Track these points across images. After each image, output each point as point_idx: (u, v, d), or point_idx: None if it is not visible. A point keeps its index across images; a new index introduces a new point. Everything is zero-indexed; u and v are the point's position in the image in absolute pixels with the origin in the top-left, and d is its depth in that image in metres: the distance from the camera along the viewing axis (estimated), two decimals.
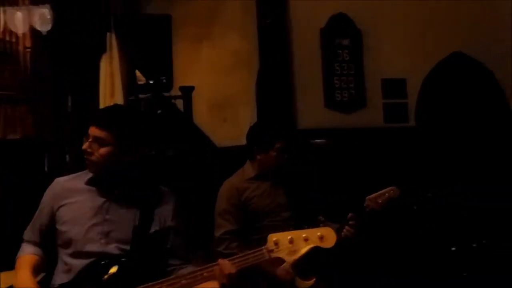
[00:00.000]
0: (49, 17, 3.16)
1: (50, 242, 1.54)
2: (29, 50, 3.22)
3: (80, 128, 1.57)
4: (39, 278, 1.53)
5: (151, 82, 3.40)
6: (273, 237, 1.40)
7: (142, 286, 1.39)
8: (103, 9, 3.47)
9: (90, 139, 1.48)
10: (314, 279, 1.94)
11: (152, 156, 2.99)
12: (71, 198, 1.52)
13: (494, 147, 3.08)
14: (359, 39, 3.34)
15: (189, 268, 1.48)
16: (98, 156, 1.47)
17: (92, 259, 1.43)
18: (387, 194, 2.15)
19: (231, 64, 3.60)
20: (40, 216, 1.58)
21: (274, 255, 1.39)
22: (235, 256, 1.43)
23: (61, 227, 1.51)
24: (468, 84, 3.35)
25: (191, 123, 3.44)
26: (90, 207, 1.50)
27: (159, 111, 3.35)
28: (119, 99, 3.34)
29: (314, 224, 2.02)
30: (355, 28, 3.34)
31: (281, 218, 2.19)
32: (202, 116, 3.54)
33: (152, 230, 1.50)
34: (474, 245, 2.50)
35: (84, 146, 1.48)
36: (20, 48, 3.20)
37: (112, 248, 1.45)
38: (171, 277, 1.44)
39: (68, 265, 1.47)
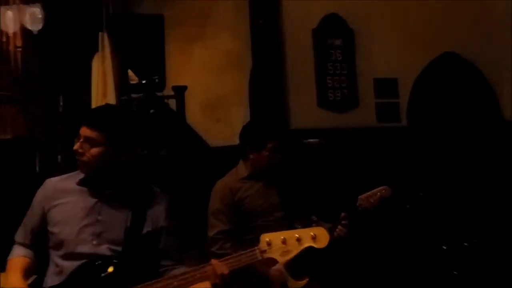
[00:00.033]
0: (40, 16, 3.14)
1: (42, 243, 1.52)
2: (20, 49, 3.19)
3: (72, 128, 1.56)
4: (30, 280, 1.52)
5: (143, 81, 3.38)
6: (265, 237, 1.40)
7: None
8: (95, 8, 3.45)
9: (81, 139, 1.47)
10: (307, 279, 1.95)
11: (145, 156, 2.98)
12: (63, 199, 1.51)
13: (484, 147, 3.11)
14: (351, 39, 3.35)
15: (182, 269, 1.47)
16: (90, 157, 1.46)
17: (83, 261, 1.43)
18: (379, 193, 2.16)
19: (223, 64, 3.59)
20: (31, 218, 1.56)
21: (266, 255, 1.39)
22: (227, 257, 1.43)
23: (52, 229, 1.49)
24: (459, 84, 3.37)
25: (184, 123, 3.43)
26: (81, 208, 1.49)
27: (151, 111, 3.34)
28: (111, 99, 3.32)
29: (307, 224, 2.02)
30: (347, 28, 3.35)
31: (274, 218, 2.20)
32: (195, 116, 3.53)
33: (144, 230, 1.49)
34: (465, 244, 2.52)
35: (75, 147, 1.47)
36: (11, 47, 3.18)
37: (104, 249, 1.44)
38: (164, 278, 1.44)
39: (60, 266, 1.46)
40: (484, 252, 2.51)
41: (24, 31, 3.16)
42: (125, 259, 1.44)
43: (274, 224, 2.09)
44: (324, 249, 1.44)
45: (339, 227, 2.10)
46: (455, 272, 2.45)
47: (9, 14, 3.11)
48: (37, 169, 3.15)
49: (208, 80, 3.64)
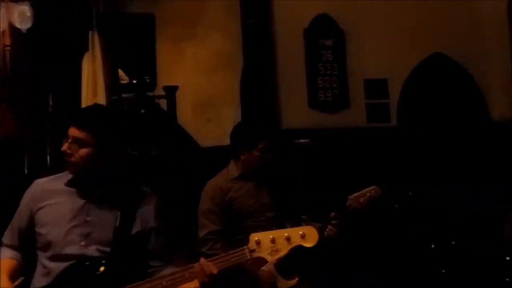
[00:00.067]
0: (29, 14, 3.11)
1: (30, 245, 1.51)
2: (8, 48, 3.16)
3: (61, 128, 1.55)
4: (17, 282, 1.51)
5: (134, 81, 3.37)
6: (254, 236, 1.41)
7: None
8: (85, 7, 3.42)
9: (69, 140, 1.46)
10: (297, 279, 1.96)
11: (135, 156, 2.97)
12: (51, 200, 1.50)
13: (472, 148, 3.14)
14: (342, 39, 3.36)
15: (171, 269, 1.47)
16: (78, 157, 1.45)
17: (71, 262, 1.42)
18: (368, 193, 2.18)
19: (215, 64, 3.59)
20: (19, 219, 1.55)
21: (255, 254, 1.39)
22: (216, 256, 1.43)
23: (40, 230, 1.48)
24: (448, 85, 3.41)
25: (175, 123, 3.42)
26: (70, 208, 1.48)
27: (142, 111, 3.32)
28: (101, 99, 3.30)
29: (296, 223, 2.03)
30: (338, 29, 3.37)
31: (265, 218, 2.20)
32: (186, 116, 3.52)
33: (134, 231, 1.49)
34: (453, 242, 2.55)
35: (64, 147, 1.46)
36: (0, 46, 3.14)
37: (92, 251, 1.44)
38: (152, 278, 1.43)
39: (47, 268, 1.45)
40: (470, 251, 2.54)
41: (13, 29, 3.12)
42: (114, 260, 1.43)
43: (265, 224, 2.09)
44: (314, 248, 1.45)
45: (329, 226, 2.11)
46: (443, 271, 2.47)
47: None
48: (26, 169, 3.12)
49: (199, 80, 3.63)
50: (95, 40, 3.35)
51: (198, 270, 1.38)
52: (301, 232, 1.42)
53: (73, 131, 1.46)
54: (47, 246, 1.46)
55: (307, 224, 1.51)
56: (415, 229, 2.70)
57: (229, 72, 3.49)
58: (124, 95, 3.39)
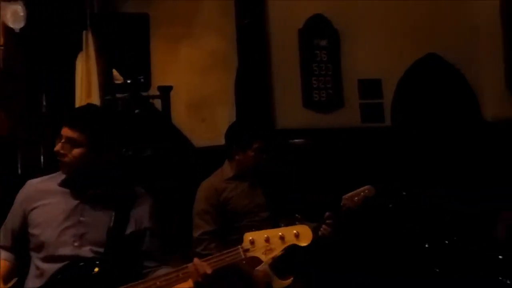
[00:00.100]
0: (22, 14, 3.09)
1: (23, 246, 1.50)
2: (1, 47, 3.14)
3: (55, 128, 1.54)
4: (11, 283, 1.50)
5: (128, 81, 3.35)
6: (249, 236, 1.41)
7: None
8: (79, 6, 3.40)
9: (62, 140, 1.45)
10: (292, 279, 1.96)
11: (130, 156, 2.96)
12: (44, 200, 1.50)
13: (465, 148, 3.16)
14: (336, 40, 3.37)
15: (165, 270, 1.47)
16: (71, 157, 1.45)
17: (64, 263, 1.41)
18: (362, 193, 2.19)
19: (209, 64, 3.58)
20: (12, 220, 1.54)
21: (250, 254, 1.39)
22: (210, 256, 1.43)
23: (33, 230, 1.48)
24: (441, 85, 3.43)
25: (169, 123, 3.42)
26: (63, 209, 1.47)
27: (136, 111, 3.31)
28: (95, 99, 3.28)
29: (291, 223, 2.03)
30: (332, 29, 3.37)
31: (260, 218, 2.21)
32: (180, 116, 3.51)
33: (128, 231, 1.48)
34: (446, 242, 2.57)
35: (56, 147, 1.46)
36: None
37: (86, 251, 1.43)
38: (147, 279, 1.43)
39: (40, 269, 1.44)
40: (463, 251, 2.55)
41: (6, 29, 3.10)
42: (108, 261, 1.42)
43: (259, 224, 2.10)
44: (308, 247, 1.45)
45: (324, 226, 2.12)
46: (436, 270, 2.49)
47: None
48: (19, 170, 3.10)
49: (193, 80, 3.62)
50: (89, 40, 3.33)
51: (192, 270, 1.38)
52: (295, 231, 1.43)
53: (66, 131, 1.45)
54: (40, 247, 1.46)
55: (301, 224, 1.51)
56: (409, 229, 2.72)
57: (224, 72, 3.49)
58: (118, 95, 3.37)
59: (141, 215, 1.52)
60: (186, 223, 2.29)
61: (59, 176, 1.52)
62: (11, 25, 3.08)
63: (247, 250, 1.40)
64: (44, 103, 3.27)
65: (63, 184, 1.50)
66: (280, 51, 3.27)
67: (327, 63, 3.34)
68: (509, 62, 3.42)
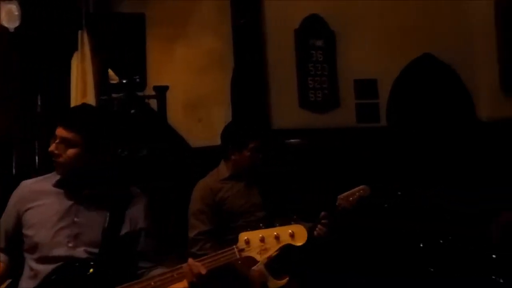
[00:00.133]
0: (17, 13, 3.08)
1: (17, 247, 1.49)
2: None
3: (50, 128, 1.53)
4: (4, 285, 1.49)
5: (124, 81, 3.35)
6: (244, 236, 1.41)
7: None
8: (74, 6, 3.39)
9: (57, 140, 1.45)
10: (287, 279, 1.96)
11: (125, 156, 2.95)
12: (38, 201, 1.49)
13: (460, 148, 3.18)
14: (332, 40, 3.37)
15: (160, 270, 1.47)
16: (66, 158, 1.44)
17: (58, 264, 1.40)
18: (357, 193, 2.19)
19: (205, 64, 3.58)
20: (6, 220, 1.53)
21: (245, 254, 1.39)
22: (205, 256, 1.43)
23: (27, 231, 1.47)
24: (436, 85, 3.44)
25: (165, 123, 3.41)
26: (57, 210, 1.46)
27: (132, 111, 3.31)
28: (91, 99, 3.28)
29: (286, 223, 2.04)
30: (328, 30, 3.37)
31: (256, 218, 2.20)
32: (176, 116, 3.51)
33: (123, 232, 1.48)
34: (441, 241, 2.58)
35: (51, 148, 1.45)
36: None
37: (80, 252, 1.42)
38: (142, 279, 1.43)
39: (34, 270, 1.43)
40: (460, 250, 2.56)
41: (0, 28, 3.09)
42: (102, 261, 1.42)
43: (255, 224, 2.09)
44: (304, 247, 1.45)
45: (319, 226, 2.12)
46: (431, 269, 2.49)
47: None
48: (14, 170, 3.08)
49: (189, 80, 3.63)
50: (84, 40, 3.32)
51: (187, 270, 1.38)
52: (290, 231, 1.43)
53: (60, 132, 1.44)
54: (34, 248, 1.45)
55: (296, 223, 1.51)
56: (404, 229, 2.72)
57: (220, 72, 3.49)
58: (114, 95, 3.37)
59: (136, 215, 1.52)
60: (182, 223, 2.29)
61: (54, 177, 1.51)
62: (5, 24, 3.07)
63: (242, 250, 1.40)
64: (39, 103, 3.26)
65: (57, 184, 1.49)
66: (276, 51, 3.27)
67: (323, 63, 3.34)
68: (504, 62, 3.44)
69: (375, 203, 2.48)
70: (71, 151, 1.44)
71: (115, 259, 1.44)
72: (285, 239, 1.42)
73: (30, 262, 1.45)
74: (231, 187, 2.25)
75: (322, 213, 2.14)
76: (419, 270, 2.55)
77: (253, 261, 1.45)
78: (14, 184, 1.59)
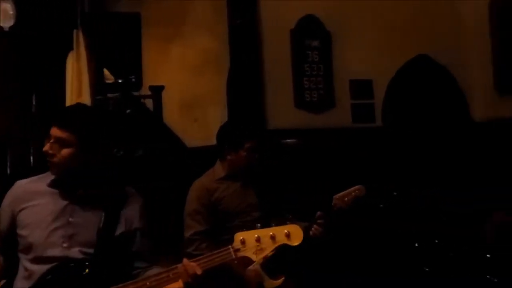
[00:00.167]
0: (11, 12, 3.07)
1: (11, 247, 1.49)
2: None
3: (45, 128, 1.52)
4: None
5: (119, 81, 3.35)
6: (239, 236, 1.41)
7: None
8: (69, 5, 3.38)
9: (51, 140, 1.44)
10: (283, 278, 1.96)
11: (121, 156, 2.94)
12: (33, 201, 1.48)
13: (454, 148, 3.20)
14: (328, 40, 3.38)
15: (155, 270, 1.46)
16: (60, 158, 1.43)
17: (53, 264, 1.40)
18: (353, 193, 2.20)
19: (201, 64, 3.58)
20: (0, 221, 1.52)
21: (240, 254, 1.39)
22: (200, 257, 1.42)
23: (21, 232, 1.46)
24: (431, 86, 3.46)
25: (161, 123, 3.41)
26: (52, 210, 1.46)
27: (128, 111, 3.30)
28: (86, 98, 3.26)
29: (282, 223, 2.04)
30: (324, 30, 3.39)
31: (252, 218, 2.20)
32: (172, 116, 3.51)
33: (118, 232, 1.47)
34: (436, 241, 2.59)
35: (45, 148, 1.44)
36: None
37: (75, 252, 1.42)
38: (137, 279, 1.42)
39: (29, 271, 1.42)
40: (453, 250, 2.58)
41: None
42: (97, 262, 1.41)
43: (251, 224, 2.09)
44: (300, 247, 1.45)
45: (315, 226, 2.12)
46: (426, 269, 2.51)
47: None
48: (8, 169, 3.06)
49: (185, 80, 3.62)
50: (79, 39, 3.31)
51: (182, 271, 1.38)
52: (286, 231, 1.43)
53: (54, 131, 1.44)
54: (28, 248, 1.44)
55: (292, 223, 1.51)
56: (400, 229, 2.73)
57: (216, 72, 3.49)
58: (109, 95, 3.36)
59: (131, 215, 1.51)
60: (179, 223, 2.29)
61: (48, 177, 1.50)
62: (0, 23, 3.05)
63: (237, 250, 1.39)
64: (34, 103, 3.24)
65: (52, 184, 1.48)
66: (272, 51, 3.28)
67: (319, 64, 3.35)
68: (497, 63, 3.46)
69: (370, 203, 2.48)
70: (65, 151, 1.43)
71: (110, 259, 1.44)
72: (281, 239, 1.41)
73: (25, 262, 1.45)
74: (227, 187, 2.25)
75: (318, 213, 2.14)
76: (415, 270, 2.55)
77: (249, 261, 1.45)
78: (9, 184, 1.58)
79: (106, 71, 3.37)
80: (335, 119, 3.32)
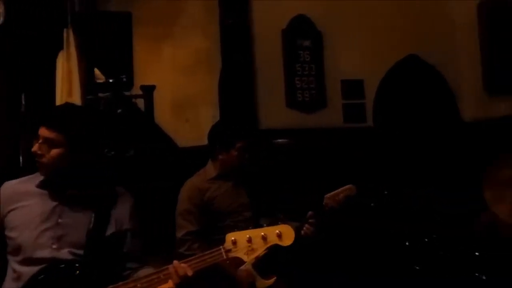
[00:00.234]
0: (1, 11, 3.02)
1: (0, 249, 1.47)
2: None
3: (34, 128, 1.51)
4: None
5: (110, 80, 3.31)
6: (231, 236, 1.41)
7: None
8: (59, 4, 3.34)
9: (40, 141, 1.43)
10: (275, 278, 1.97)
11: (112, 156, 2.92)
12: (22, 202, 1.47)
13: (444, 149, 3.23)
14: (319, 40, 3.40)
15: (146, 271, 1.46)
16: (49, 158, 1.42)
17: (42, 266, 1.38)
18: (344, 192, 2.21)
19: (193, 64, 3.57)
20: None
21: (232, 254, 1.39)
22: (191, 258, 1.42)
23: (10, 233, 1.45)
24: (421, 86, 3.49)
25: (152, 123, 3.39)
26: (41, 211, 1.44)
27: (119, 111, 3.27)
28: (77, 98, 3.23)
29: (274, 223, 2.04)
30: (315, 30, 3.40)
31: (243, 218, 2.21)
32: (163, 116, 3.49)
33: (108, 232, 1.46)
34: (426, 239, 2.61)
35: (34, 148, 1.43)
36: None
37: (65, 254, 1.41)
38: (128, 280, 1.42)
39: (17, 272, 1.41)
40: (442, 249, 2.60)
41: None
42: (88, 263, 1.40)
43: (243, 224, 2.10)
44: (291, 247, 1.46)
45: (306, 225, 2.13)
46: (416, 267, 2.53)
47: None
48: None
49: (177, 80, 3.61)
50: (70, 38, 3.27)
51: (172, 272, 1.37)
52: (277, 231, 1.43)
53: (43, 131, 1.43)
54: (17, 250, 1.43)
55: (283, 223, 1.51)
56: (391, 228, 2.75)
57: (208, 72, 3.48)
58: (100, 95, 3.33)
59: (122, 215, 1.51)
60: (171, 223, 2.28)
61: (37, 177, 1.49)
62: None
63: (229, 251, 1.39)
64: (24, 103, 3.21)
65: (41, 185, 1.47)
66: (264, 51, 3.28)
67: (310, 64, 3.36)
68: (487, 63, 3.50)
69: (361, 202, 2.50)
70: (54, 151, 1.42)
71: (100, 260, 1.43)
72: (272, 240, 1.42)
73: (14, 264, 1.43)
74: (218, 187, 2.25)
75: (309, 213, 2.15)
76: (405, 269, 2.57)
77: (241, 261, 1.45)
78: None
79: (96, 71, 3.33)
80: (327, 119, 3.34)
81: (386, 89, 3.44)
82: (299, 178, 2.95)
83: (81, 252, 1.42)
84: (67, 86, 3.26)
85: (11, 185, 1.52)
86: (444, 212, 2.76)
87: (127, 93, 3.34)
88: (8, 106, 3.17)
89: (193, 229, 2.17)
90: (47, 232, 1.43)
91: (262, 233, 1.42)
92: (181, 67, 3.62)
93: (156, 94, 3.39)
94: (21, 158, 3.07)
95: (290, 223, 2.06)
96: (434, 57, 3.50)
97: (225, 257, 1.39)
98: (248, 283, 2.00)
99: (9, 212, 1.47)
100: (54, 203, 1.46)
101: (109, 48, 3.34)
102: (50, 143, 1.42)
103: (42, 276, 1.38)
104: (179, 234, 2.19)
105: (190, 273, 1.37)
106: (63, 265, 1.40)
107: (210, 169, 2.29)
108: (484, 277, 2.26)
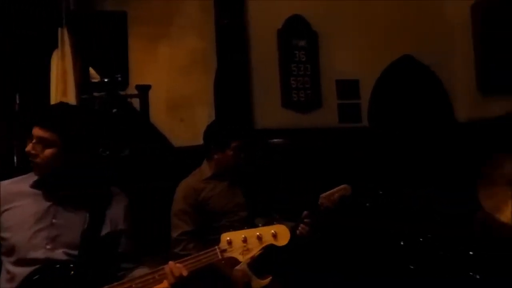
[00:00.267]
0: None
1: None
2: None
3: (29, 128, 1.50)
4: None
5: (105, 80, 3.30)
6: (226, 236, 1.41)
7: None
8: (53, 3, 3.33)
9: (34, 140, 1.42)
10: (270, 278, 1.97)
11: (107, 156, 2.91)
12: (15, 202, 1.46)
13: (438, 149, 3.24)
14: (315, 40, 3.40)
15: (141, 271, 1.46)
16: (43, 158, 1.41)
17: (36, 266, 1.38)
18: (339, 192, 2.22)
19: (188, 64, 3.57)
20: None
21: (227, 255, 1.39)
22: (186, 258, 1.42)
23: (4, 234, 1.44)
24: (416, 86, 3.51)
25: (148, 122, 3.38)
26: (35, 211, 1.44)
27: (114, 110, 3.26)
28: (72, 98, 3.21)
29: (269, 223, 2.04)
30: (311, 30, 3.40)
31: (239, 218, 2.21)
32: (159, 115, 3.48)
33: (103, 233, 1.46)
34: (420, 239, 2.62)
35: (28, 148, 1.42)
36: None
37: (59, 254, 1.40)
38: (122, 281, 1.41)
39: (11, 273, 1.40)
40: (438, 248, 2.61)
41: None
42: (82, 263, 1.40)
43: (238, 224, 2.10)
44: (286, 247, 1.46)
45: (301, 225, 2.13)
46: (411, 267, 2.54)
47: None
48: None
49: (172, 80, 3.60)
50: (64, 37, 3.25)
51: (168, 272, 1.37)
52: (272, 231, 1.43)
53: (37, 131, 1.42)
54: (11, 250, 1.42)
55: (279, 223, 1.51)
56: (386, 228, 2.76)
57: (203, 72, 3.48)
58: (95, 94, 3.31)
59: (116, 215, 1.50)
60: (166, 223, 2.28)
61: (31, 177, 1.48)
62: None
63: (224, 251, 1.39)
64: (18, 102, 3.19)
65: (35, 185, 1.46)
66: (259, 51, 3.28)
67: (306, 64, 3.37)
68: (481, 64, 3.53)
69: (357, 202, 2.50)
70: (48, 151, 1.41)
71: (95, 260, 1.42)
72: (268, 239, 1.42)
73: (7, 265, 1.42)
74: (214, 187, 2.25)
75: (305, 212, 2.15)
76: (400, 268, 2.58)
77: (236, 261, 1.45)
78: None
79: (91, 70, 3.32)
80: (322, 119, 3.34)
81: (381, 89, 3.45)
82: (294, 178, 2.95)
83: (75, 252, 1.42)
84: (61, 85, 3.25)
85: (5, 185, 1.51)
86: (442, 212, 2.77)
87: (122, 93, 3.33)
88: (2, 106, 3.15)
89: (188, 229, 2.17)
90: (41, 232, 1.42)
91: (258, 233, 1.42)
92: (176, 66, 3.61)
93: (151, 93, 3.38)
94: (15, 158, 3.05)
95: (286, 223, 2.06)
96: (429, 57, 3.52)
97: (220, 257, 1.39)
98: (244, 283, 2.00)
99: (2, 212, 1.46)
100: (48, 203, 1.45)
101: (104, 48, 3.32)
102: (44, 143, 1.41)
103: (36, 277, 1.37)
104: (174, 234, 2.18)
105: (185, 273, 1.36)
106: (57, 266, 1.39)
107: (206, 169, 2.29)
108: (478, 276, 2.27)
